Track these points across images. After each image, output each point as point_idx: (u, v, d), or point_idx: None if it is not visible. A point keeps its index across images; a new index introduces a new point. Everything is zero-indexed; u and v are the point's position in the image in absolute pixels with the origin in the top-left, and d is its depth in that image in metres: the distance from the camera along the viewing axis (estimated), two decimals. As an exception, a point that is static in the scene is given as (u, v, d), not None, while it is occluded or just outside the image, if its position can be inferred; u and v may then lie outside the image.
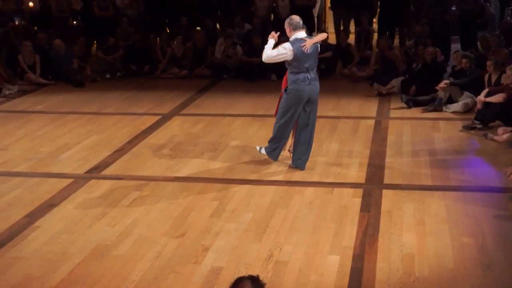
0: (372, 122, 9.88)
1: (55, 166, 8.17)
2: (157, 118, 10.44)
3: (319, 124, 9.73)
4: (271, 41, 7.45)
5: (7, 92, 12.43)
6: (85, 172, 7.88)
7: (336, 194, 6.93)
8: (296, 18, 7.45)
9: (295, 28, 7.40)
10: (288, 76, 7.52)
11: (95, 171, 7.91)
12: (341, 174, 7.59)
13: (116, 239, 5.95)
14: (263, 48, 13.89)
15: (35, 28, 17.15)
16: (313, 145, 8.58)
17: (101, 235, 6.04)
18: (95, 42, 16.90)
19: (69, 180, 7.57)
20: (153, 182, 7.45)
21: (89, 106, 11.54)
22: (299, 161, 7.76)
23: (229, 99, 11.68)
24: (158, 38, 15.10)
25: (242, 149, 8.61)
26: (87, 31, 16.58)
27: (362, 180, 7.38)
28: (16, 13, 17.56)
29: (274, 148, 7.87)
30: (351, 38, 15.22)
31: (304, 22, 15.53)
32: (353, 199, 6.77)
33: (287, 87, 7.53)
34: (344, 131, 9.42)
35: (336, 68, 13.85)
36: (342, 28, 15.87)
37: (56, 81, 13.59)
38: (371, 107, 10.84)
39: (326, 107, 10.91)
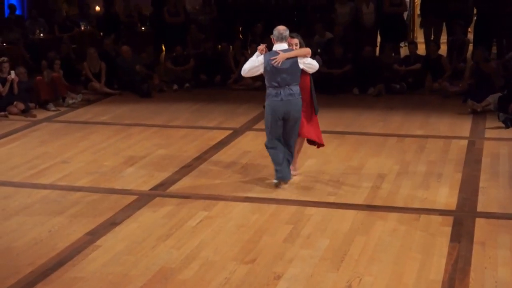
0: (464, 142, 9.70)
1: (118, 181, 8.35)
2: (228, 132, 10.54)
3: (405, 143, 9.66)
4: (256, 54, 7.70)
5: (70, 102, 12.80)
6: (150, 189, 8.02)
7: (422, 222, 6.82)
8: (279, 29, 7.65)
9: (278, 39, 7.65)
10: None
11: (161, 188, 8.04)
12: (429, 200, 7.48)
13: (181, 263, 6.01)
14: (344, 59, 14.06)
15: (101, 33, 17.67)
16: (398, 167, 8.57)
17: (166, 258, 6.12)
18: (164, 49, 17.26)
19: (133, 197, 7.72)
20: (222, 202, 7.51)
21: (156, 118, 11.76)
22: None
23: (306, 114, 11.68)
24: (231, 46, 15.29)
25: (319, 169, 8.59)
26: (156, 38, 16.96)
27: (453, 207, 7.24)
28: (82, 18, 18.09)
29: (277, 169, 7.90)
30: (443, 49, 15.02)
31: (395, 30, 15.47)
32: (441, 228, 6.65)
33: (264, 104, 7.79)
34: (433, 152, 9.28)
35: (425, 82, 13.67)
36: (432, 37, 15.69)
37: (122, 91, 13.92)
38: (463, 126, 10.64)
39: (413, 124, 10.80)
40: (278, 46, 7.67)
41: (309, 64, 7.78)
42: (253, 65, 7.70)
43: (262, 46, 7.78)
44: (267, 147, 7.94)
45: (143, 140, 10.26)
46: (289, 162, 8.01)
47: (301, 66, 7.71)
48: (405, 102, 12.45)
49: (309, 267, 5.86)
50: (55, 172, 8.73)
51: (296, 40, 7.82)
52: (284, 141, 7.95)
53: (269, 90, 7.72)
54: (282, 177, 7.93)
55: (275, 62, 7.53)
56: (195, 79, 14.43)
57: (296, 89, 7.70)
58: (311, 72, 7.89)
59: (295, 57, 7.64)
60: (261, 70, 7.69)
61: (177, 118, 11.74)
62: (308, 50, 7.81)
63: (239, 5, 16.57)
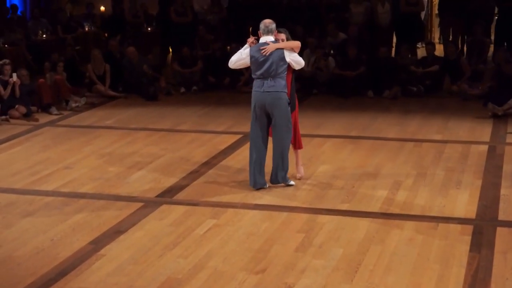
0: (485, 148, 9.68)
1: (123, 188, 8.37)
2: (237, 137, 10.56)
3: (423, 149, 9.64)
4: (244, 46, 8.08)
5: (73, 105, 12.84)
6: (156, 196, 8.04)
7: (441, 231, 6.81)
8: (265, 22, 8.01)
9: (264, 32, 8.01)
10: None
11: (167, 195, 8.06)
12: (447, 207, 7.45)
13: (188, 272, 6.02)
14: (358, 60, 14.08)
15: (106, 34, 17.73)
16: (415, 173, 8.53)
17: (172, 267, 6.13)
18: (171, 51, 17.29)
19: (139, 204, 7.74)
20: (231, 209, 7.51)
21: (163, 122, 11.79)
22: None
23: (319, 118, 11.69)
24: (240, 47, 15.29)
25: (332, 175, 8.59)
26: (163, 39, 16.99)
27: (472, 215, 7.22)
28: (86, 18, 18.15)
29: (250, 172, 8.20)
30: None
31: (411, 30, 15.48)
32: (461, 237, 6.63)
33: None
34: (452, 157, 9.25)
35: (443, 84, 13.65)
36: (451, 37, 15.65)
37: (127, 94, 13.96)
38: (484, 131, 10.62)
39: (431, 129, 10.77)
40: (265, 39, 7.98)
41: (295, 58, 7.98)
42: (240, 57, 8.05)
43: (251, 39, 8.09)
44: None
45: (149, 145, 10.28)
46: (277, 171, 8.13)
47: (287, 59, 7.91)
48: (422, 106, 12.43)
49: (322, 278, 5.85)
50: (58, 178, 8.76)
51: (283, 36, 8.09)
52: (275, 147, 8.04)
53: (254, 82, 8.03)
54: (251, 184, 8.15)
55: (264, 51, 7.83)
56: (203, 81, 14.44)
57: (280, 82, 7.90)
58: (296, 69, 8.09)
59: (283, 50, 7.88)
60: (248, 63, 7.99)
61: (185, 122, 11.76)
62: (297, 44, 8.06)
63: (249, 4, 16.58)
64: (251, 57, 7.92)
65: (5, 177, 8.86)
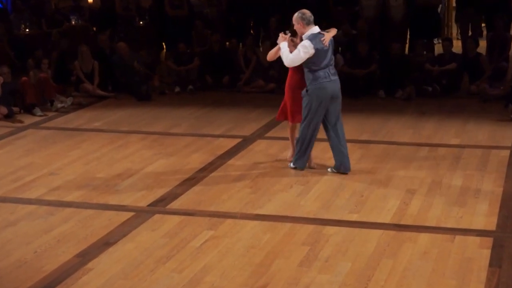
0: (506, 153, 9.69)
1: (113, 196, 8.39)
2: (236, 141, 10.58)
3: (438, 154, 9.67)
4: (284, 44, 8.62)
5: (59, 105, 12.84)
6: (149, 205, 8.06)
7: (458, 243, 6.82)
8: (308, 13, 8.55)
9: (309, 23, 8.56)
10: (306, 75, 8.61)
11: (161, 204, 8.08)
12: (465, 218, 7.47)
13: (183, 288, 6.05)
14: (369, 57, 14.06)
15: (95, 28, 17.74)
16: (430, 181, 8.55)
17: (166, 283, 6.14)
18: (165, 47, 17.31)
19: (129, 214, 7.76)
20: (230, 219, 7.53)
21: (156, 124, 11.81)
22: (342, 166, 8.82)
23: (326, 120, 11.69)
24: (241, 43, 15.30)
25: (340, 182, 8.61)
26: (156, 34, 16.99)
27: (492, 227, 7.24)
28: (73, 10, 18.15)
29: (300, 155, 8.88)
30: (482, 46, 15.00)
31: (427, 25, 15.54)
32: (480, 251, 6.65)
33: (307, 88, 8.59)
34: (470, 163, 9.27)
35: (461, 84, 13.66)
36: (470, 33, 15.66)
37: (117, 93, 13.98)
38: (505, 134, 10.63)
39: (447, 132, 10.79)
40: (314, 29, 8.54)
41: None
42: (308, 52, 8.38)
43: (287, 36, 8.64)
44: (301, 133, 8.76)
45: (141, 149, 10.30)
46: (342, 153, 8.86)
47: None
48: (438, 107, 12.45)
49: (328, 295, 5.88)
50: (42, 185, 8.78)
51: None
52: (332, 126, 8.81)
53: (316, 74, 8.53)
54: (299, 166, 8.95)
55: (325, 42, 8.47)
56: (200, 80, 14.46)
57: (334, 68, 8.78)
58: None
59: (332, 38, 8.67)
60: (310, 56, 8.44)
61: (180, 124, 11.79)
62: (336, 30, 8.86)
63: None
64: (317, 49, 8.43)
65: (-16, 184, 8.90)
